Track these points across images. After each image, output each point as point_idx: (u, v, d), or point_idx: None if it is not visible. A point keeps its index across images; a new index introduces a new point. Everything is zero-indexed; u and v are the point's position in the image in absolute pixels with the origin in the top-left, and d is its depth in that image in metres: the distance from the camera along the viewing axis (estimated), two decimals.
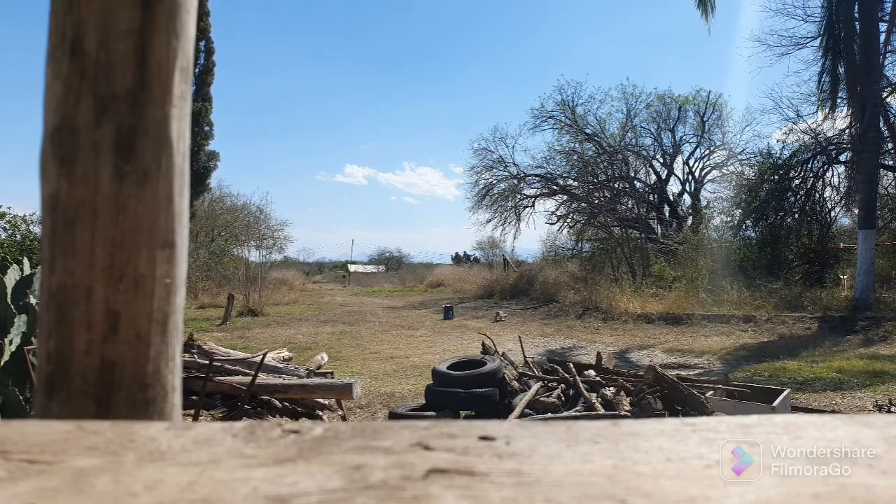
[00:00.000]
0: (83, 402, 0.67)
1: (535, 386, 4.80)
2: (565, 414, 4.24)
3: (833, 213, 15.54)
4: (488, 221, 24.06)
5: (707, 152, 22.43)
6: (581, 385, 4.56)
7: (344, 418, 5.08)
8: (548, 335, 11.23)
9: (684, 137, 22.34)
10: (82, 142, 0.68)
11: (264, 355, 4.39)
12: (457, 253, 41.24)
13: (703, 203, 21.04)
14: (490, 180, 23.57)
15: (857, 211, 13.04)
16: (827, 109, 13.44)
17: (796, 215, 15.11)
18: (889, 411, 4.92)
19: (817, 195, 15.10)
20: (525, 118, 49.22)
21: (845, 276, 12.84)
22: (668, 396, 4.13)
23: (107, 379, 0.67)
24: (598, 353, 6.03)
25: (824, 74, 12.68)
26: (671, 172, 22.61)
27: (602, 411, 4.15)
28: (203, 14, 14.75)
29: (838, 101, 13.07)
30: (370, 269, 39.20)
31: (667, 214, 21.55)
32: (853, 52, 11.89)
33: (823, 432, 0.54)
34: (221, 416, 4.42)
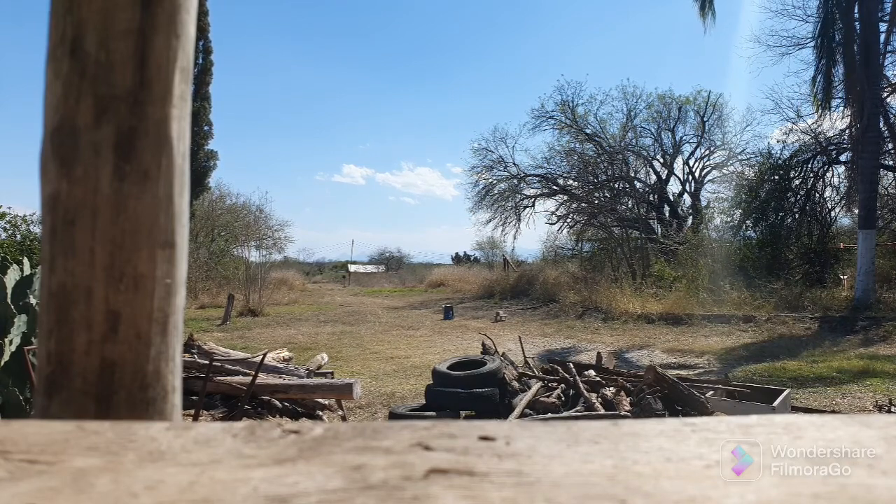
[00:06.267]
0: (83, 402, 0.67)
1: (536, 386, 4.80)
2: (565, 414, 4.24)
3: (833, 213, 15.56)
4: (488, 221, 24.12)
5: (707, 152, 22.47)
6: (581, 385, 4.56)
7: (344, 418, 5.08)
8: (548, 335, 11.23)
9: (684, 137, 22.38)
10: (82, 142, 0.68)
11: (264, 355, 4.39)
12: (457, 253, 41.20)
13: (704, 203, 21.08)
14: (490, 180, 23.61)
15: (857, 211, 13.05)
16: (821, 111, 13.48)
17: (796, 215, 15.11)
18: (889, 411, 4.92)
19: (817, 195, 15.10)
20: (525, 118, 49.25)
21: (845, 277, 12.84)
22: (668, 396, 4.13)
23: (107, 379, 0.67)
24: (598, 353, 6.04)
25: (819, 76, 12.71)
26: (671, 172, 22.63)
27: (602, 411, 4.15)
28: (201, 13, 14.76)
29: (834, 101, 13.09)
30: (370, 269, 39.18)
31: (667, 214, 21.55)
32: (853, 52, 11.89)
33: (823, 432, 0.54)
34: (221, 416, 4.42)
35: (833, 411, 5.14)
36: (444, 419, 0.60)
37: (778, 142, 16.85)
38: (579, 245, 21.56)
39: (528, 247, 42.53)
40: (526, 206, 23.69)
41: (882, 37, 12.04)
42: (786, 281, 12.93)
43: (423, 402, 5.02)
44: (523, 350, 6.54)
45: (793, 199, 15.21)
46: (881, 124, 12.46)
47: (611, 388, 4.56)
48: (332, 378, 5.61)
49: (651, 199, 22.01)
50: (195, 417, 3.83)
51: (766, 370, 7.21)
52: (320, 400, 4.95)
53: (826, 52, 12.39)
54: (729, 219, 16.72)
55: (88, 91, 0.68)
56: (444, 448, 0.50)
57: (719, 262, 14.29)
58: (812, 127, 15.27)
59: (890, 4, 12.00)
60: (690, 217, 21.12)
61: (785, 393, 4.60)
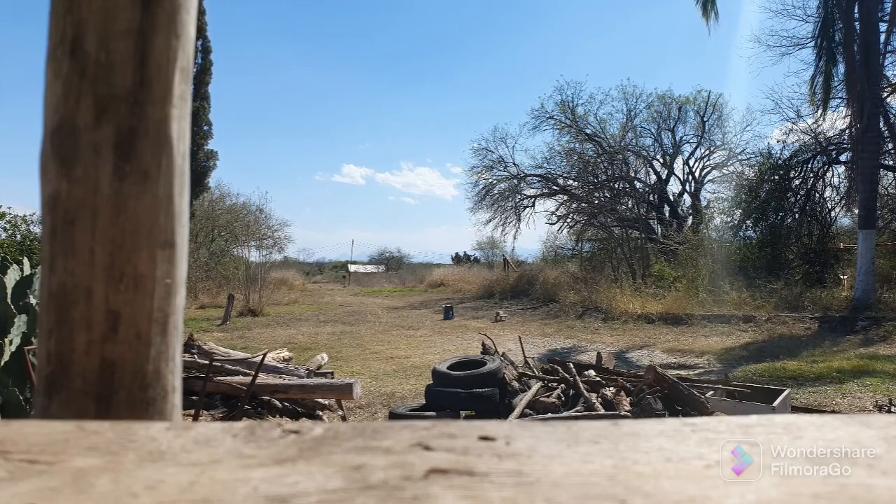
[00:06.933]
0: (83, 402, 0.67)
1: (536, 386, 4.80)
2: (565, 414, 4.24)
3: (833, 213, 15.56)
4: (488, 221, 24.14)
5: (707, 152, 22.48)
6: (581, 385, 4.56)
7: (344, 418, 5.08)
8: (548, 335, 11.23)
9: (684, 137, 22.40)
10: (82, 142, 0.68)
11: (264, 355, 4.39)
12: (457, 253, 41.22)
13: (704, 203, 21.08)
14: (490, 180, 23.63)
15: (857, 211, 13.05)
16: (820, 111, 13.50)
17: (796, 215, 15.11)
18: (889, 411, 4.92)
19: (817, 195, 15.10)
20: (525, 118, 49.26)
21: (845, 277, 12.84)
22: (668, 396, 4.13)
23: (107, 379, 0.67)
24: (598, 353, 6.04)
25: (818, 76, 12.71)
26: (671, 172, 22.65)
27: (602, 411, 4.15)
28: (199, 13, 14.76)
29: (835, 101, 13.11)
30: (370, 269, 39.18)
31: (667, 214, 21.56)
32: (853, 52, 11.89)
33: (823, 432, 0.54)
34: (221, 417, 4.42)
35: (833, 411, 5.14)
36: (444, 419, 0.60)
37: (778, 142, 16.87)
38: (579, 245, 21.57)
39: (528, 247, 42.60)
40: (526, 206, 23.72)
41: (882, 37, 12.05)
42: (786, 281, 12.93)
43: (423, 402, 5.02)
44: (523, 350, 6.54)
45: (793, 199, 15.21)
46: (881, 124, 12.46)
47: (611, 388, 4.56)
48: (332, 378, 5.61)
49: (651, 199, 22.02)
50: (195, 417, 3.83)
51: (766, 370, 7.21)
52: (320, 400, 4.95)
53: (826, 52, 12.39)
54: (729, 219, 16.73)
55: (88, 91, 0.68)
56: (444, 448, 0.50)
57: (719, 262, 14.29)
58: (812, 127, 15.29)
59: (890, 4, 12.00)
60: (690, 217, 21.13)
61: (785, 393, 4.60)
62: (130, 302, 0.68)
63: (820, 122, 14.67)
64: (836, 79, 12.70)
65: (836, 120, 14.70)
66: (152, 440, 0.52)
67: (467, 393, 4.66)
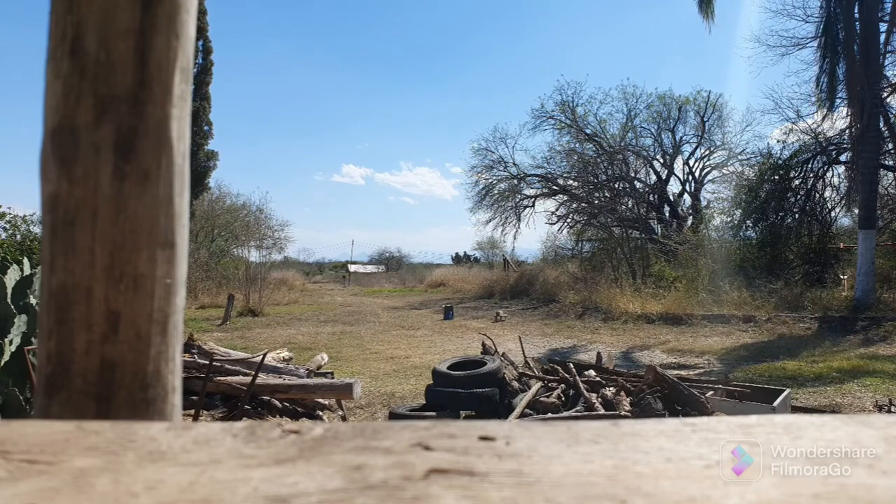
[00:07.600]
0: (83, 402, 0.67)
1: (536, 386, 4.80)
2: (565, 414, 4.23)
3: (833, 213, 15.55)
4: (488, 221, 24.16)
5: (707, 152, 22.51)
6: (581, 385, 4.56)
7: (344, 418, 5.08)
8: (548, 335, 11.23)
9: (684, 138, 22.42)
10: (82, 142, 0.68)
11: (264, 355, 4.39)
12: (457, 253, 41.28)
13: (704, 203, 21.11)
14: (490, 180, 23.64)
15: (857, 211, 13.05)
16: (825, 110, 13.49)
17: (796, 215, 15.10)
18: (889, 411, 4.92)
19: (817, 195, 15.09)
20: (525, 118, 49.33)
21: (845, 277, 12.83)
22: (669, 396, 4.13)
23: (107, 379, 0.67)
24: (598, 353, 6.04)
25: (822, 75, 12.70)
26: (671, 172, 22.66)
27: (602, 411, 4.15)
28: (200, 13, 14.77)
29: (837, 101, 13.09)
30: (370, 269, 39.23)
31: (667, 214, 21.57)
32: (853, 52, 11.89)
33: (823, 432, 0.54)
34: (221, 416, 4.42)
35: (833, 411, 5.14)
36: (444, 419, 0.60)
37: (778, 142, 16.86)
38: (579, 245, 21.57)
39: (528, 247, 42.65)
40: (526, 206, 23.74)
41: (882, 37, 12.04)
42: (786, 281, 12.92)
43: (423, 402, 5.02)
44: (523, 350, 6.54)
45: (793, 199, 15.20)
46: (881, 124, 12.45)
47: (611, 388, 4.56)
48: (332, 378, 5.61)
49: (651, 199, 22.03)
50: (195, 417, 3.83)
51: (766, 370, 7.21)
52: (320, 400, 4.95)
53: (830, 51, 12.37)
54: (729, 219, 16.73)
55: (88, 91, 0.68)
56: (444, 448, 0.50)
57: (719, 262, 14.29)
58: (812, 127, 15.29)
59: (890, 4, 12.00)
60: (690, 217, 21.14)
61: (785, 393, 4.60)
62: (130, 302, 0.68)
63: (820, 122, 14.69)
64: (837, 78, 12.70)
65: (836, 120, 14.72)
66: (152, 440, 0.52)
67: (467, 393, 4.66)
